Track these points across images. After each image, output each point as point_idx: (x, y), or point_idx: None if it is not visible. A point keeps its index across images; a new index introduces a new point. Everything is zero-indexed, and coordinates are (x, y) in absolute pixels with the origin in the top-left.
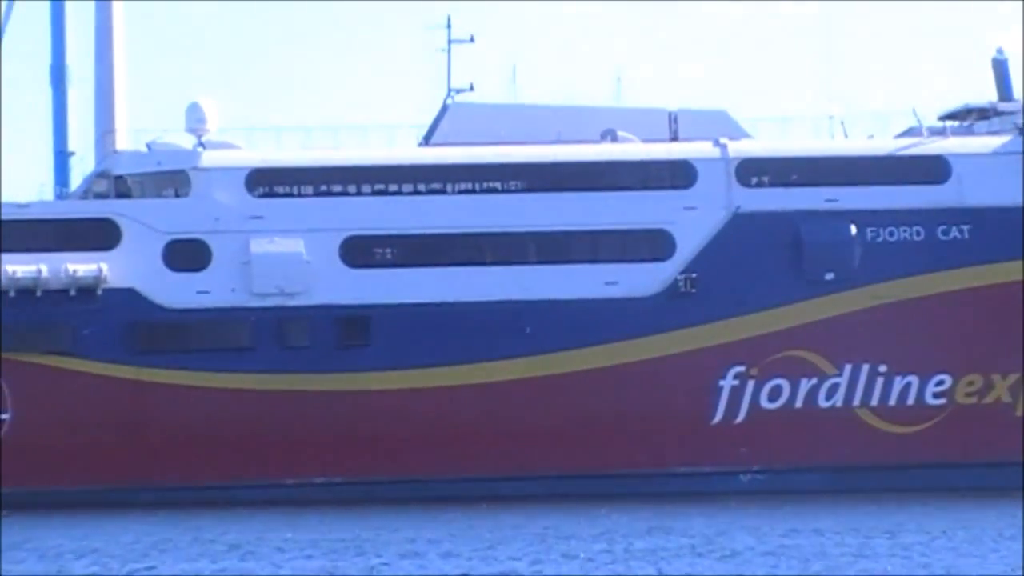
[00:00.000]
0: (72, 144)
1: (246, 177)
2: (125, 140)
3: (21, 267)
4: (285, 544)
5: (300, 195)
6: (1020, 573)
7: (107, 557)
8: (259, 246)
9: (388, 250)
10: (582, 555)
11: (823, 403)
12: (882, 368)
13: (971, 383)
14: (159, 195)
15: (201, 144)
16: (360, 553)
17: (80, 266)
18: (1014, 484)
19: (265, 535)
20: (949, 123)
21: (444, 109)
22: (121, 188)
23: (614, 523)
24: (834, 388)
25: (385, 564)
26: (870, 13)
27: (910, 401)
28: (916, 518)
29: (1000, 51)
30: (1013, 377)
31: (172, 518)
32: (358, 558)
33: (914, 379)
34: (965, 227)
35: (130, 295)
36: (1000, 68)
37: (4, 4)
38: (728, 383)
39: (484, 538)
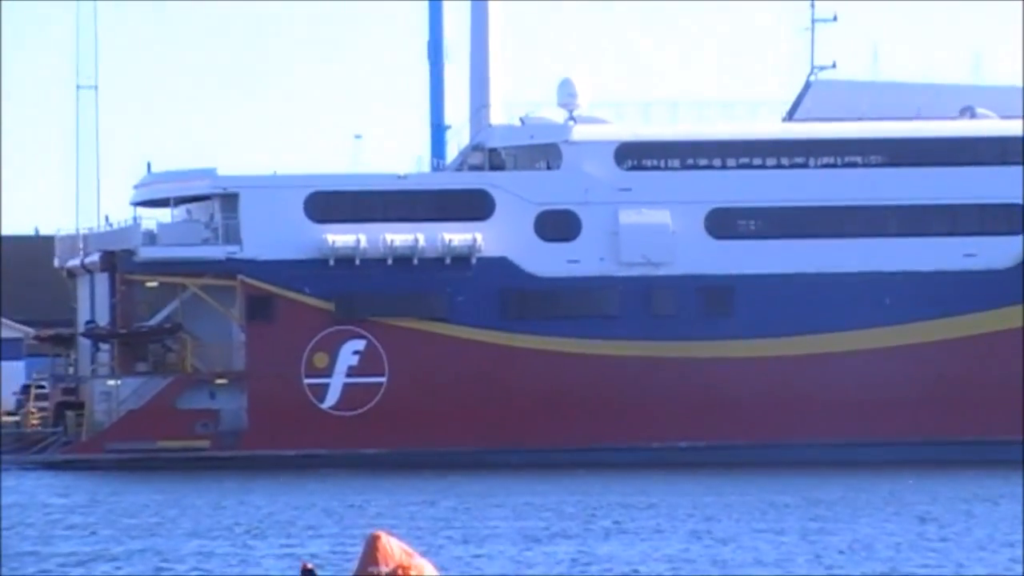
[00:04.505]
0: (448, 118)
1: (615, 150)
2: (499, 114)
3: (399, 236)
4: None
5: (667, 168)
6: None
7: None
8: (627, 217)
9: (751, 222)
10: None
11: None
12: None
13: None
14: (531, 167)
15: (572, 118)
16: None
17: (455, 236)
18: None
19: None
20: None
21: (807, 86)
22: (495, 160)
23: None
24: None
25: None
26: None
27: None
28: None
29: None
30: None
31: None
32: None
33: None
34: None
35: (503, 264)
36: None
37: None
38: None
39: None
